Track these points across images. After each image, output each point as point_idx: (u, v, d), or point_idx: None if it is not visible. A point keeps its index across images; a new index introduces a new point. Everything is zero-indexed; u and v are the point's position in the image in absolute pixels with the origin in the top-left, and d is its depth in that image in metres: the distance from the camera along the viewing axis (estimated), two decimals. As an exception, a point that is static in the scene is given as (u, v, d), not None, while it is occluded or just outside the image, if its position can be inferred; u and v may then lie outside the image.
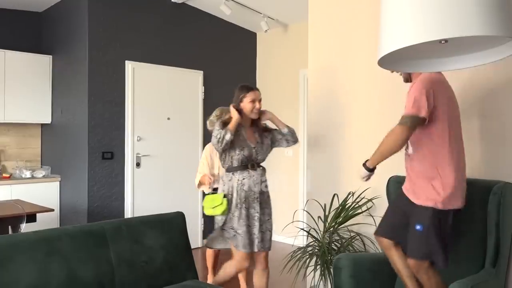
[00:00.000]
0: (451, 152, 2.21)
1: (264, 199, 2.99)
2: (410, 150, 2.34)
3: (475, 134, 2.77)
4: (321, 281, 3.16)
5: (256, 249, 2.92)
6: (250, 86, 3.03)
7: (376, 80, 3.30)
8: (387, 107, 3.23)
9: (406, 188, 2.38)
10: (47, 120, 5.18)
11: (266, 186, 3.02)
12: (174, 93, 5.25)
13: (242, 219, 2.88)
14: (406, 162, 2.40)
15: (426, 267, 2.24)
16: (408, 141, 2.32)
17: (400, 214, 2.40)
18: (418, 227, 2.22)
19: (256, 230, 2.91)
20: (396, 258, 2.42)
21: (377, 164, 2.36)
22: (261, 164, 3.05)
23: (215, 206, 2.93)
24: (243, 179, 2.93)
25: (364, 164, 2.41)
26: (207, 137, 5.48)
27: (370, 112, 3.35)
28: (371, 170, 2.39)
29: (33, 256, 2.29)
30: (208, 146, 3.71)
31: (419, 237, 2.22)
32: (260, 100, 3.00)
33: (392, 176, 2.87)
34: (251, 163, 2.96)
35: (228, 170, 2.98)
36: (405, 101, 2.24)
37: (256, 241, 2.91)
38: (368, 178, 2.45)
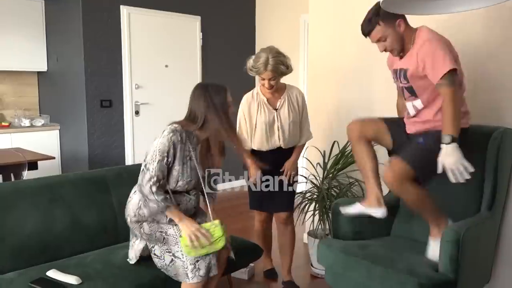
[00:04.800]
0: None
1: None
2: (418, 104, 2.25)
3: (476, 80, 2.73)
4: (320, 226, 3.23)
5: None
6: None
7: (378, 24, 3.21)
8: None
9: (417, 130, 2.30)
10: (43, 68, 5.09)
11: None
12: (172, 40, 5.13)
13: None
14: (410, 118, 2.33)
15: (412, 176, 2.11)
16: (410, 99, 2.27)
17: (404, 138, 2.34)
18: (420, 140, 2.19)
19: None
20: (365, 149, 2.34)
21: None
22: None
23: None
24: None
25: (449, 141, 1.99)
26: (206, 85, 5.42)
27: (373, 58, 3.28)
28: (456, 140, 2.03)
29: (36, 202, 2.33)
30: (245, 99, 2.87)
31: (418, 149, 2.18)
32: None
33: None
34: None
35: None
36: (425, 62, 2.10)
37: None
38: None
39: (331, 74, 3.55)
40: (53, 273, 2.08)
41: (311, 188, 3.31)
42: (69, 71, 4.77)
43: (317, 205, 3.20)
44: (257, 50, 5.88)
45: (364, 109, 3.35)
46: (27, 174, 3.48)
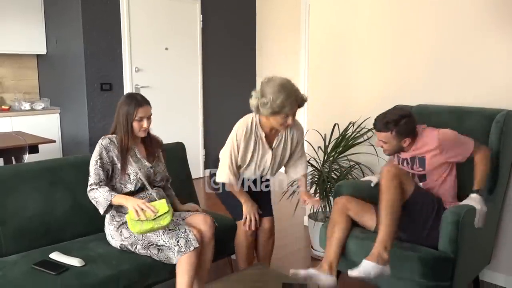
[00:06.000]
0: None
1: None
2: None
3: (480, 61, 2.71)
4: (320, 209, 3.24)
5: None
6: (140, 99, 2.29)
7: (382, 5, 3.17)
8: (393, 35, 3.13)
9: None
10: (42, 50, 5.05)
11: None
12: (172, 22, 5.07)
13: None
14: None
15: (404, 184, 2.30)
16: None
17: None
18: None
19: None
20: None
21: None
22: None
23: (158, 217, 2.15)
24: None
25: (476, 192, 2.23)
26: (206, 67, 5.39)
27: (375, 40, 3.25)
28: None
29: (37, 186, 2.34)
30: (243, 129, 2.44)
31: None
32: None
33: (397, 105, 2.84)
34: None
35: None
36: (449, 146, 2.30)
37: None
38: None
39: (332, 57, 3.52)
40: (56, 255, 2.10)
41: (311, 171, 3.31)
42: (69, 54, 4.73)
43: (317, 188, 3.20)
44: (258, 33, 5.82)
45: (365, 91, 3.34)
46: (28, 158, 3.49)
